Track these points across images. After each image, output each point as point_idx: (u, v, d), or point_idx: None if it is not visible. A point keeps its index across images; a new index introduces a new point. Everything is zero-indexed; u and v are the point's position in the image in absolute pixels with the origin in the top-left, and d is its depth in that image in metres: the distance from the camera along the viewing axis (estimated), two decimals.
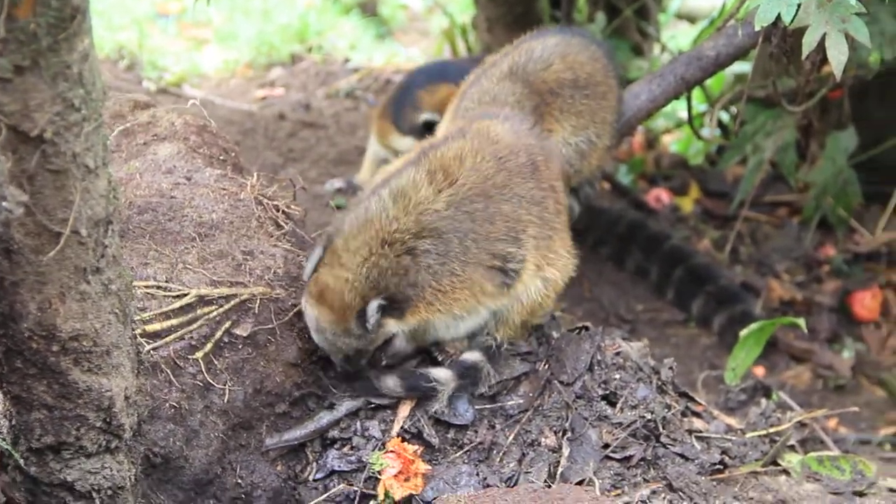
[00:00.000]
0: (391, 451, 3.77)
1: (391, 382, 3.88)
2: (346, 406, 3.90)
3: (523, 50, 4.77)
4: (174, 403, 3.63)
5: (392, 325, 3.80)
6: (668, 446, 3.97)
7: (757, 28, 4.14)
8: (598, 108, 4.80)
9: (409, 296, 3.74)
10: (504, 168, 3.88)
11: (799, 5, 4.02)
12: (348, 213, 3.84)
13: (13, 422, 3.16)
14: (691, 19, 9.64)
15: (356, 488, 3.78)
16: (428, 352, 4.04)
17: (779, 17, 4.06)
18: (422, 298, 3.76)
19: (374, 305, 3.70)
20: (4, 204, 2.60)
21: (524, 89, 4.63)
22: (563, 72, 4.70)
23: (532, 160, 3.98)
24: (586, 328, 4.22)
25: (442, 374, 3.90)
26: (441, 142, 3.95)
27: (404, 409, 3.89)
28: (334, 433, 3.89)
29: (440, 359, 4.00)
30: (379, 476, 3.75)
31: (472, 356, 3.98)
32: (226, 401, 3.74)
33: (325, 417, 3.88)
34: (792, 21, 4.04)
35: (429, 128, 5.31)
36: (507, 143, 3.96)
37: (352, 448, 3.85)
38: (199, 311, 3.74)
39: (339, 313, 3.73)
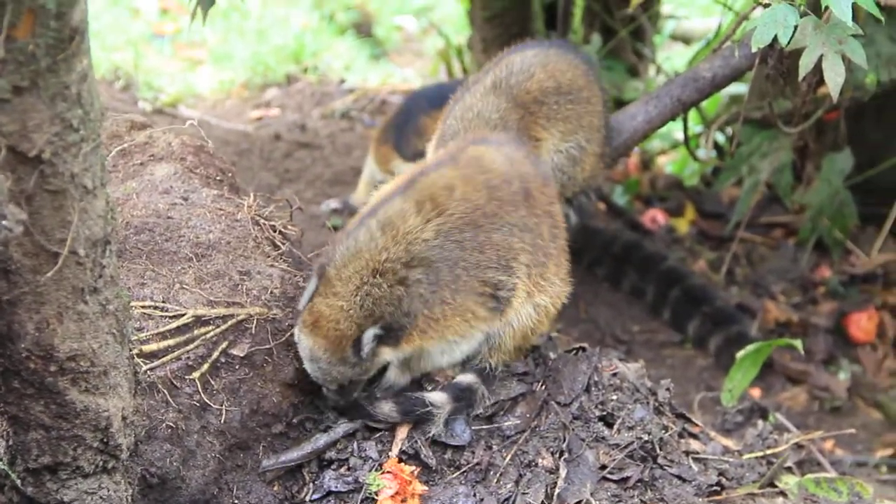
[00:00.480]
0: (388, 472, 3.76)
1: (386, 408, 3.87)
2: (342, 428, 3.89)
3: (504, 65, 4.80)
4: (171, 424, 3.62)
5: (387, 354, 3.79)
6: (666, 467, 3.96)
7: (754, 49, 4.15)
8: (585, 112, 4.82)
9: (404, 324, 3.73)
10: (495, 197, 3.85)
11: (795, 27, 4.03)
12: (338, 243, 3.82)
13: (10, 442, 3.15)
14: (686, 41, 9.66)
15: None
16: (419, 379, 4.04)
17: (775, 39, 4.07)
18: (415, 326, 3.75)
19: (370, 334, 3.69)
20: (4, 223, 2.60)
21: (508, 103, 4.65)
22: (545, 80, 4.72)
23: (525, 187, 3.95)
24: (583, 349, 4.22)
25: (437, 398, 3.90)
26: (432, 168, 3.92)
27: (402, 431, 3.88)
28: (331, 454, 3.88)
29: (429, 388, 3.99)
30: (375, 497, 3.73)
31: (467, 378, 3.97)
32: (222, 421, 3.73)
33: (321, 439, 3.87)
34: (789, 42, 4.05)
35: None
36: (500, 171, 3.93)
37: (348, 469, 3.84)
38: (195, 332, 3.73)
39: (335, 342, 3.71)
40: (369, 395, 3.93)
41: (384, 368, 3.91)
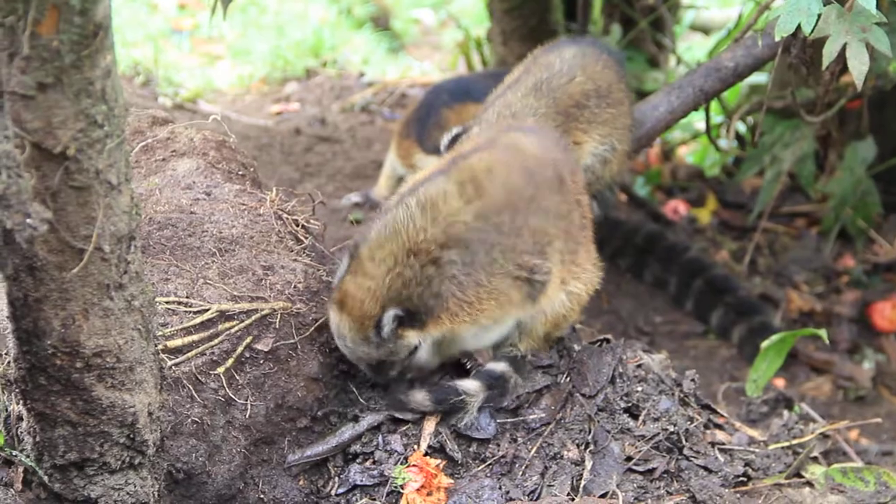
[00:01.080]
0: (414, 466, 3.76)
1: (420, 396, 3.86)
2: (368, 420, 3.89)
3: (542, 65, 4.78)
4: (196, 419, 3.63)
5: (413, 337, 3.77)
6: (692, 459, 3.95)
7: (777, 38, 4.14)
8: (619, 114, 4.82)
9: (431, 306, 3.72)
10: (532, 181, 3.86)
11: (819, 15, 4.01)
12: (375, 220, 3.82)
13: (37, 438, 3.16)
14: (706, 31, 9.63)
15: (378, 503, 3.76)
16: (454, 364, 4.02)
17: (799, 28, 4.06)
18: (445, 309, 3.73)
19: (389, 315, 3.68)
20: (29, 221, 2.60)
21: (548, 109, 4.63)
22: (585, 83, 4.72)
23: (559, 174, 3.96)
24: (607, 340, 4.21)
25: (471, 386, 3.88)
26: (471, 152, 3.91)
27: (429, 425, 3.87)
28: (356, 447, 3.88)
29: (469, 366, 3.98)
30: (401, 490, 3.73)
31: (500, 366, 3.96)
32: (248, 416, 3.74)
33: (347, 432, 3.87)
34: (812, 31, 4.03)
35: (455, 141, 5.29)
36: (536, 156, 3.95)
37: (374, 462, 3.84)
38: (220, 327, 3.74)
39: (358, 321, 3.72)
40: (400, 383, 3.93)
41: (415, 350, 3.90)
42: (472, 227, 3.70)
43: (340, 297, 3.75)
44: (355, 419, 3.90)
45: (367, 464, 3.84)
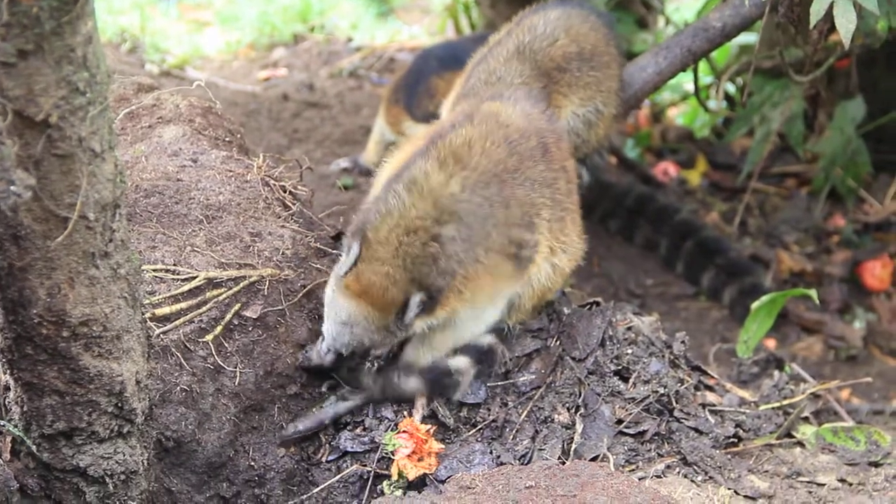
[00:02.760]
0: (404, 431, 3.76)
1: (413, 383, 3.85)
2: (357, 399, 3.88)
3: (526, 27, 4.75)
4: (185, 387, 3.62)
5: (418, 324, 3.75)
6: (682, 420, 3.95)
7: None
8: (604, 77, 4.79)
9: (441, 286, 3.69)
10: (515, 152, 3.83)
11: None
12: (370, 209, 3.77)
13: (25, 408, 3.15)
14: None
15: (369, 469, 3.77)
16: None
17: None
18: (452, 288, 3.71)
19: (416, 300, 3.64)
20: (12, 188, 2.59)
21: (532, 70, 4.61)
22: (568, 46, 4.68)
23: (542, 142, 3.94)
24: (597, 303, 4.21)
25: (461, 363, 3.88)
26: (448, 128, 3.88)
27: (421, 398, 3.87)
28: (347, 416, 3.87)
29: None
30: (392, 456, 3.73)
31: (486, 339, 3.96)
32: (237, 383, 3.73)
33: (341, 405, 3.86)
34: None
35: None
36: (517, 126, 3.92)
37: (364, 429, 3.84)
38: (208, 294, 3.73)
39: (382, 310, 3.67)
40: (388, 368, 3.91)
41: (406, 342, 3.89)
42: (461, 199, 3.67)
43: (362, 286, 3.67)
44: (343, 399, 3.89)
45: (358, 430, 3.84)
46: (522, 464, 3.76)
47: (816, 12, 4.01)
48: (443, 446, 3.79)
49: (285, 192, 4.17)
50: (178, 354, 3.62)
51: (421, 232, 3.63)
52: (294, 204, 4.16)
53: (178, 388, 3.61)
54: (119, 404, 3.16)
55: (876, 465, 3.96)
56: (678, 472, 3.79)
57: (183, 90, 4.54)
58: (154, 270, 3.71)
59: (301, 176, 4.36)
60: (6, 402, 3.27)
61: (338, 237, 4.17)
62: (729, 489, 3.73)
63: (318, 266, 3.99)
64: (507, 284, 3.86)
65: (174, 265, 3.76)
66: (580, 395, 3.94)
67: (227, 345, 3.73)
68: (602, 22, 4.92)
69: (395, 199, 3.68)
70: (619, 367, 4.01)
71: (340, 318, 3.73)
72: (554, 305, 4.15)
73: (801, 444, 4.03)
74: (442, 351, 3.94)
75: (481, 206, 3.70)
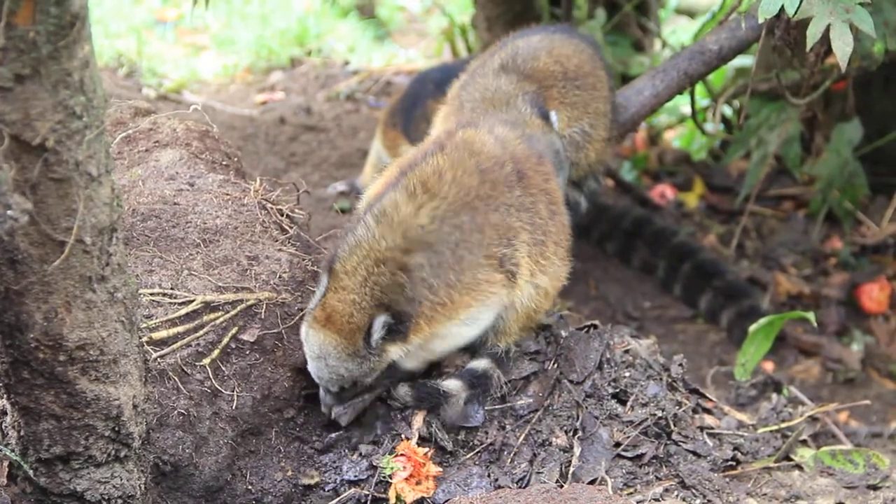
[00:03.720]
0: (402, 455, 3.75)
1: (402, 391, 3.85)
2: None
3: (509, 49, 4.77)
4: (182, 411, 3.62)
5: (393, 352, 3.74)
6: (680, 443, 3.95)
7: (760, 20, 4.13)
8: (591, 98, 4.78)
9: (409, 312, 3.69)
10: (487, 179, 3.82)
11: None
12: (340, 240, 3.78)
13: (21, 432, 3.15)
14: (691, 14, 9.63)
15: (367, 493, 3.76)
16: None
17: (782, 9, 4.05)
18: (421, 314, 3.70)
19: (380, 320, 3.63)
20: (9, 213, 2.59)
21: (520, 79, 4.61)
22: (551, 65, 4.69)
23: (518, 169, 3.92)
24: (595, 326, 4.20)
25: (452, 385, 3.87)
26: (419, 158, 3.87)
27: (418, 419, 3.86)
28: (344, 437, 3.87)
29: (443, 375, 3.97)
30: (390, 480, 3.72)
31: (481, 364, 3.95)
32: (234, 407, 3.73)
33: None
34: (796, 13, 4.02)
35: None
36: (491, 153, 3.90)
37: (361, 455, 3.82)
38: (205, 318, 3.73)
39: (348, 335, 3.66)
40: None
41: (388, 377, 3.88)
42: (431, 230, 3.67)
43: (326, 314, 3.69)
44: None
45: (355, 456, 3.83)
46: (520, 487, 3.75)
47: (813, 35, 4.02)
48: (440, 469, 3.78)
49: (282, 215, 4.17)
50: (176, 378, 3.61)
51: (389, 263, 3.63)
52: (291, 227, 4.15)
53: (176, 411, 3.60)
54: (116, 428, 3.16)
55: (874, 488, 3.95)
56: (676, 496, 3.78)
57: (180, 114, 4.54)
58: (151, 294, 3.70)
59: (298, 199, 4.35)
60: (3, 427, 3.27)
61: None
62: None
63: (315, 289, 3.99)
64: (494, 299, 3.85)
65: (171, 289, 3.75)
66: (578, 419, 3.94)
67: (224, 368, 3.73)
68: (586, 45, 4.93)
69: (364, 231, 3.69)
70: (617, 390, 4.00)
71: (314, 352, 3.73)
72: (551, 328, 4.14)
73: (799, 467, 4.02)
74: (424, 364, 3.96)
75: (451, 233, 3.70)
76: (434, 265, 3.67)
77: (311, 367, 3.76)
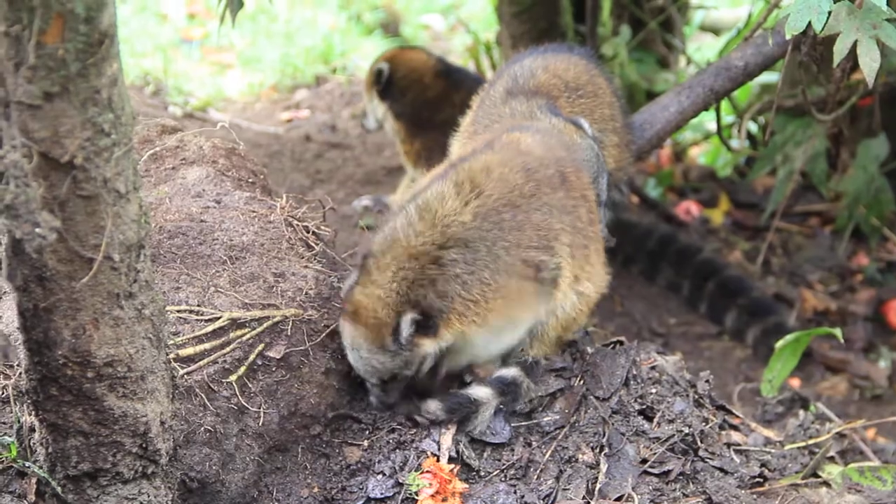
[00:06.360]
0: (427, 472, 3.74)
1: (433, 406, 3.84)
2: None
3: (506, 76, 4.79)
4: (209, 427, 3.62)
5: (427, 346, 3.76)
6: (707, 460, 3.93)
7: (787, 36, 4.11)
8: (595, 105, 4.78)
9: (440, 308, 3.70)
10: (532, 179, 3.85)
11: (829, 13, 4.00)
12: (378, 231, 3.82)
13: (49, 449, 3.16)
14: (715, 31, 9.60)
15: None
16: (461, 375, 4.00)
17: (809, 25, 4.04)
18: (453, 310, 3.72)
19: (407, 319, 3.67)
20: (37, 230, 2.60)
21: (530, 97, 4.62)
22: (550, 79, 4.70)
23: (561, 171, 3.96)
24: (621, 343, 4.20)
25: (482, 393, 3.87)
26: (469, 155, 3.93)
27: (447, 438, 3.85)
28: (369, 455, 3.86)
29: (468, 380, 3.96)
30: (416, 497, 3.72)
31: (511, 371, 3.94)
32: (261, 424, 3.73)
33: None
34: (822, 29, 4.01)
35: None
36: (537, 154, 3.94)
37: (385, 475, 3.82)
38: (231, 335, 3.73)
39: (375, 330, 3.70)
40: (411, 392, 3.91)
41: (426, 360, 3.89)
42: (471, 227, 3.70)
43: (353, 308, 3.74)
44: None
45: (380, 476, 3.82)
46: None
47: (839, 51, 4.01)
48: (467, 486, 3.77)
49: (308, 232, 4.18)
50: (202, 395, 3.62)
51: (423, 257, 3.67)
52: (317, 244, 4.16)
53: (202, 428, 3.60)
54: (143, 445, 3.17)
55: None
56: None
57: (206, 132, 4.55)
58: (178, 311, 3.71)
59: (324, 216, 4.36)
60: (31, 444, 3.28)
61: None
62: None
63: (341, 306, 3.99)
64: (526, 309, 3.85)
65: (198, 306, 3.76)
66: (604, 435, 3.93)
67: (250, 385, 3.73)
68: (577, 57, 4.93)
69: (404, 223, 3.73)
70: (644, 407, 3.99)
71: (347, 343, 3.81)
72: (577, 344, 4.14)
73: (826, 483, 4.00)
74: (457, 367, 3.96)
75: (490, 230, 3.72)
76: (468, 261, 3.70)
77: (349, 358, 3.83)
